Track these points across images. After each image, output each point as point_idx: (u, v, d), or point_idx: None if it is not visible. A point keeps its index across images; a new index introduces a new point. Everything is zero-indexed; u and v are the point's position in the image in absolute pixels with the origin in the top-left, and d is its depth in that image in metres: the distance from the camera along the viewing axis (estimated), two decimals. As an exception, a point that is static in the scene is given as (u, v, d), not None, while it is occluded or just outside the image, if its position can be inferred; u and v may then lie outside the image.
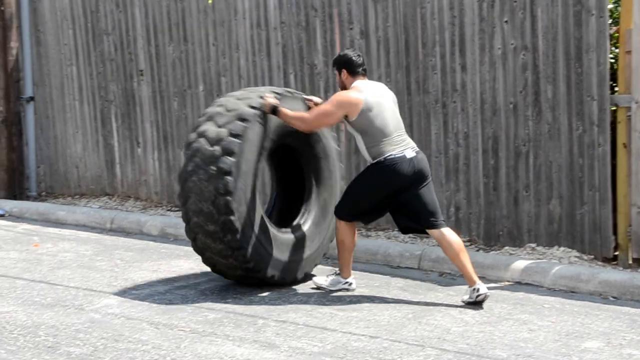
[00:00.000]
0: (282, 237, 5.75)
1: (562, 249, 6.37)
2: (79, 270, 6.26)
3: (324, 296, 5.64)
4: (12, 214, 8.39)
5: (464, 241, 6.84)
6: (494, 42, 6.49)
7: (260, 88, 5.81)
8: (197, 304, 5.40)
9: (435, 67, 6.78)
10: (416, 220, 5.51)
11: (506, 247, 6.58)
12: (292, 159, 6.04)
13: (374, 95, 5.49)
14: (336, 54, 7.15)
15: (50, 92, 8.91)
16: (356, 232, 5.75)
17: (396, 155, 5.40)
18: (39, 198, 8.99)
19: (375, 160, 5.44)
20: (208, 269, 6.04)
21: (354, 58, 5.59)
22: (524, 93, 6.41)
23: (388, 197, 5.49)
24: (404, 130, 5.60)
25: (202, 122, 5.58)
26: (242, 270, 5.57)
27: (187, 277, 6.12)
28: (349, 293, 5.72)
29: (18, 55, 8.81)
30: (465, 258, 5.45)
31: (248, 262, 5.49)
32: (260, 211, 5.55)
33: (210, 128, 5.47)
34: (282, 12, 7.48)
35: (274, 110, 5.52)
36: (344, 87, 5.59)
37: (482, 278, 6.06)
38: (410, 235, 7.07)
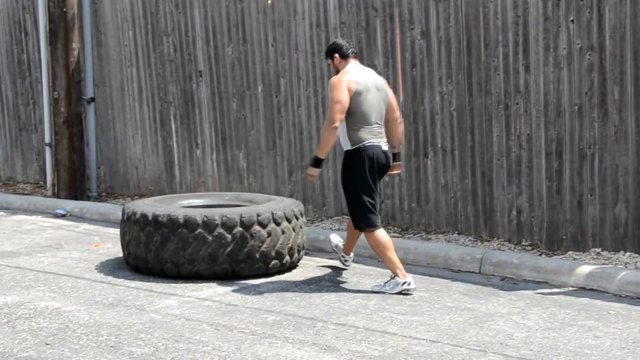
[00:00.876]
0: None
1: (628, 254, 6.20)
2: (139, 271, 6.28)
3: (384, 299, 5.58)
4: (73, 214, 8.48)
5: (525, 245, 6.71)
6: (559, 42, 6.35)
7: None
8: (256, 306, 5.38)
9: (498, 68, 6.66)
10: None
11: (570, 252, 6.43)
12: None
13: (363, 80, 5.66)
14: (397, 55, 7.09)
15: (111, 93, 8.99)
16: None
17: (375, 143, 5.65)
18: (99, 198, 9.09)
19: (355, 147, 5.63)
20: (268, 272, 6.15)
21: (342, 42, 5.81)
22: (590, 94, 6.26)
23: (373, 179, 5.70)
24: (382, 124, 5.76)
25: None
26: None
27: (246, 278, 6.10)
28: (409, 297, 5.65)
29: (79, 56, 8.91)
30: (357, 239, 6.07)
31: None
32: None
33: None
34: (342, 12, 7.43)
35: (319, 163, 5.75)
36: (338, 71, 5.73)
37: (544, 283, 5.95)
38: (471, 238, 6.97)
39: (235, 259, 6.00)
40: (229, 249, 5.98)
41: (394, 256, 5.75)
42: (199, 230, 5.96)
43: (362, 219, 5.74)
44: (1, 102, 9.58)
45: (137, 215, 6.12)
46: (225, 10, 8.08)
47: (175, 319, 5.07)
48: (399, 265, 5.75)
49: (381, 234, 5.76)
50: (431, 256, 6.59)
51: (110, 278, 6.05)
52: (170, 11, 8.41)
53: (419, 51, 7.08)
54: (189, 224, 5.96)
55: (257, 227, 6.00)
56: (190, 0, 8.26)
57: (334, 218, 7.67)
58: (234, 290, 5.76)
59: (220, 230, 5.96)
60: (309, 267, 6.49)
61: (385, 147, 5.74)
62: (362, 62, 7.36)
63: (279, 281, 6.03)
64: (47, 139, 9.10)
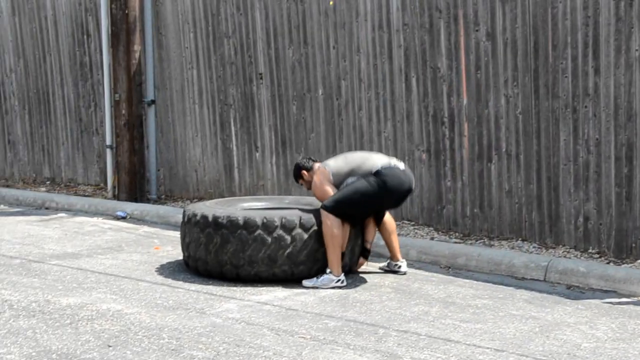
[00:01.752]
0: None
1: (702, 263, 5.98)
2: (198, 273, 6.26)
3: (446, 307, 5.45)
4: (133, 216, 8.51)
5: (592, 252, 6.52)
6: (631, 43, 6.14)
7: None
8: (316, 311, 5.30)
9: (566, 70, 6.48)
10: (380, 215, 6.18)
11: (639, 261, 6.22)
12: None
13: (331, 161, 6.05)
14: (461, 57, 6.97)
15: (171, 95, 9.02)
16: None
17: (391, 165, 5.95)
18: (158, 201, 9.11)
19: (374, 172, 5.93)
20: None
21: (300, 160, 6.27)
22: (663, 97, 6.06)
23: (378, 205, 6.08)
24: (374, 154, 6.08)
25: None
26: None
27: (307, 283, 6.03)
28: (472, 305, 5.51)
29: (140, 58, 8.95)
30: (395, 238, 6.27)
31: None
32: None
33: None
34: (405, 14, 7.33)
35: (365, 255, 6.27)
36: (311, 183, 6.10)
37: (612, 292, 5.76)
38: (535, 245, 6.80)
39: (295, 261, 5.94)
40: (288, 250, 5.92)
41: (338, 254, 5.86)
42: (259, 231, 5.91)
43: (340, 207, 5.85)
44: (63, 104, 9.69)
45: (198, 217, 6.10)
46: (287, 12, 8.03)
47: (236, 323, 5.02)
48: (339, 264, 5.88)
49: (337, 224, 5.84)
50: (494, 263, 6.44)
51: (170, 281, 6.03)
52: (231, 13, 8.40)
53: (484, 53, 6.94)
54: (248, 226, 5.92)
55: (316, 229, 5.93)
56: (251, 2, 8.24)
57: (395, 223, 7.55)
58: (294, 295, 5.69)
59: (279, 231, 5.91)
60: (369, 272, 6.39)
61: (402, 166, 5.97)
62: (424, 64, 7.26)
63: (339, 286, 5.94)
64: (108, 141, 9.16)
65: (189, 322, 5.01)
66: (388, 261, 6.38)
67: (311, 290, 5.82)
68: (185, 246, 6.25)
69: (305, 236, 5.93)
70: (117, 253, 6.92)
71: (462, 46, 7.03)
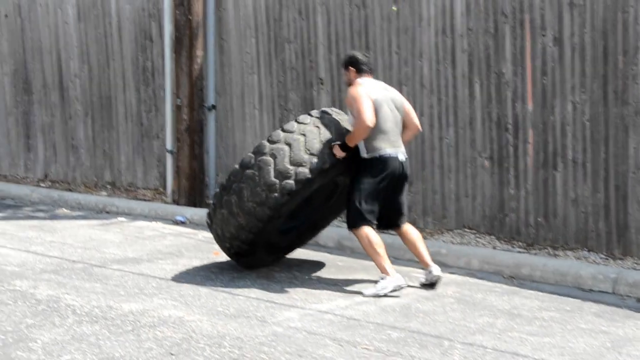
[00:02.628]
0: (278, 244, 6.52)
1: None
2: (258, 280, 6.23)
3: (512, 319, 5.32)
4: (192, 221, 8.53)
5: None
6: None
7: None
8: (378, 321, 5.22)
9: (637, 77, 6.29)
10: (394, 217, 6.05)
11: None
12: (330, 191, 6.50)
13: (376, 92, 5.97)
14: (527, 62, 6.83)
15: (231, 100, 9.02)
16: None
17: (391, 154, 5.90)
18: (218, 205, 9.11)
19: (370, 156, 5.88)
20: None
21: (360, 57, 6.15)
22: None
23: (382, 191, 5.89)
24: (400, 132, 6.04)
25: (280, 139, 5.97)
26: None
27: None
28: (539, 317, 5.37)
29: (202, 63, 8.97)
30: (422, 246, 6.08)
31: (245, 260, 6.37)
32: (274, 235, 6.30)
33: (283, 160, 5.89)
34: (469, 19, 7.20)
35: (346, 149, 5.90)
36: (351, 84, 6.08)
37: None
38: (602, 255, 6.62)
39: None
40: None
41: (383, 257, 5.85)
42: None
43: (353, 215, 5.92)
44: (125, 109, 9.77)
45: None
46: (349, 17, 7.96)
47: (297, 332, 4.97)
48: (388, 265, 5.85)
49: (371, 233, 5.89)
50: (560, 274, 6.28)
51: (230, 288, 6.01)
52: (293, 18, 8.37)
53: (551, 58, 6.78)
54: None
55: None
56: (313, 7, 8.19)
57: (455, 231, 7.43)
58: (355, 304, 5.62)
59: None
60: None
61: (402, 157, 5.97)
62: (488, 70, 7.13)
63: (401, 294, 5.86)
64: (168, 146, 9.21)
65: (251, 331, 4.98)
66: (424, 272, 6.11)
67: (372, 300, 5.74)
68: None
69: None
70: (177, 258, 6.93)
71: (528, 51, 6.88)
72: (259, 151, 5.99)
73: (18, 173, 10.84)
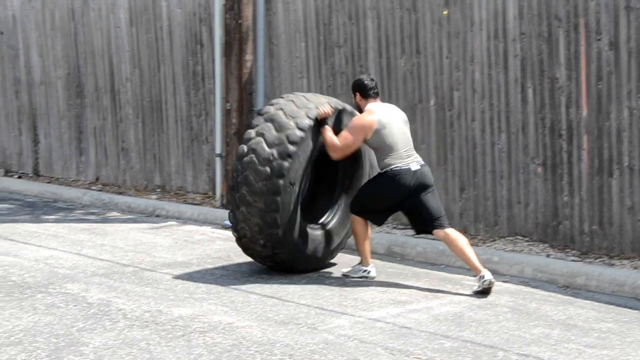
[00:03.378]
0: (313, 234, 6.50)
1: None
2: (308, 287, 6.19)
3: (568, 329, 5.21)
4: (241, 225, 8.52)
5: None
6: None
7: (319, 97, 6.52)
8: (431, 330, 5.15)
9: (697, 82, 6.13)
10: (424, 223, 6.23)
11: None
12: (330, 165, 6.62)
13: (385, 116, 6.27)
14: (581, 67, 6.71)
15: (281, 105, 8.99)
16: (369, 224, 6.43)
17: (401, 168, 6.17)
18: (266, 209, 9.10)
19: (383, 171, 6.23)
20: (439, 293, 5.99)
21: (366, 82, 6.43)
22: None
23: (393, 202, 6.25)
24: (411, 146, 6.33)
25: (261, 122, 6.31)
26: (273, 261, 6.43)
27: (418, 300, 5.88)
28: (596, 329, 5.25)
29: (252, 68, 8.97)
30: (470, 252, 6.10)
31: (282, 253, 6.32)
32: (299, 213, 6.32)
33: (262, 147, 6.18)
34: (522, 23, 7.09)
35: (322, 122, 6.28)
36: (359, 108, 6.39)
37: None
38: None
39: None
40: None
41: (364, 244, 6.36)
42: None
43: (357, 203, 6.36)
44: (175, 113, 9.82)
45: None
46: (399, 21, 7.89)
47: (349, 340, 4.92)
48: (366, 254, 6.39)
49: (362, 221, 6.34)
50: (617, 284, 6.13)
51: (280, 293, 5.98)
52: (343, 22, 8.32)
53: (606, 63, 6.64)
54: None
55: None
56: (363, 11, 8.14)
57: (507, 238, 7.32)
58: (406, 312, 5.56)
59: None
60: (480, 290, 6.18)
61: (415, 166, 6.20)
62: (542, 74, 7.01)
63: (452, 303, 5.78)
64: (217, 150, 9.22)
65: (301, 338, 4.94)
66: (477, 279, 6.06)
67: (424, 308, 5.67)
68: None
69: None
70: (226, 263, 6.93)
71: (583, 56, 6.75)
72: (247, 138, 6.31)
73: (70, 176, 10.97)
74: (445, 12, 7.53)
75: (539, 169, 7.13)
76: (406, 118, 6.48)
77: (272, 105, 6.42)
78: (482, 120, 7.43)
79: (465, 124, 7.56)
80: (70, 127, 10.89)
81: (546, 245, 7.08)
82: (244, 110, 9.01)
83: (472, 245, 7.18)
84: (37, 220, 8.65)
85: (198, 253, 7.29)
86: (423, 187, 6.18)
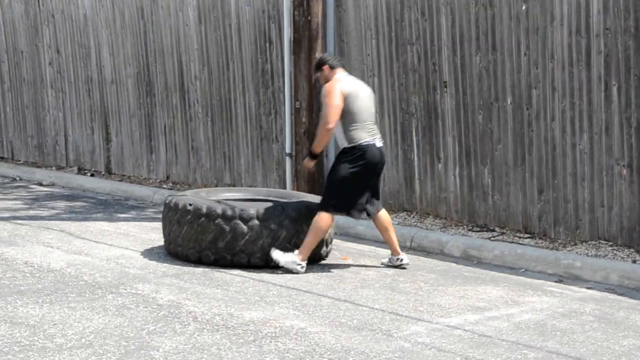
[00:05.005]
0: None
1: None
2: (382, 290, 6.01)
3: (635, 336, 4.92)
4: (311, 225, 8.38)
5: None
6: None
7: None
8: (512, 339, 4.92)
9: None
10: (372, 203, 6.48)
11: None
12: None
13: (352, 85, 6.47)
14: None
15: (351, 103, 8.83)
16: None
17: (369, 142, 6.34)
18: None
19: (351, 145, 6.34)
20: (519, 300, 5.77)
21: (329, 56, 6.97)
22: None
23: (364, 182, 6.37)
24: (374, 122, 6.54)
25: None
26: None
27: (498, 306, 5.65)
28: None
29: (322, 66, 8.82)
30: (393, 233, 6.57)
31: None
32: None
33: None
34: (606, 17, 6.78)
35: (314, 157, 6.68)
36: (327, 81, 6.51)
37: None
38: None
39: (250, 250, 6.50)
40: (244, 239, 6.48)
41: (314, 243, 6.39)
42: (218, 220, 6.53)
43: (330, 200, 6.38)
44: (244, 111, 9.73)
45: (172, 205, 6.86)
46: (475, 17, 7.65)
47: (426, 349, 4.73)
48: (309, 251, 6.39)
49: (327, 222, 6.39)
50: None
51: (353, 297, 5.82)
52: (415, 19, 8.11)
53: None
54: (210, 214, 6.52)
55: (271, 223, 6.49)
56: (437, 7, 7.91)
57: (589, 243, 7.01)
58: (485, 320, 5.33)
59: (237, 221, 6.50)
60: (567, 297, 5.92)
61: (379, 143, 6.41)
62: (627, 72, 6.70)
63: (534, 310, 5.53)
64: (287, 149, 9.11)
65: (376, 345, 4.77)
66: (389, 257, 6.66)
67: (504, 315, 5.44)
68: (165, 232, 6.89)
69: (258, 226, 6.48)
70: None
71: (672, 52, 6.42)
72: None
73: (141, 174, 10.98)
74: (523, 7, 7.25)
75: (624, 171, 6.81)
76: (372, 94, 6.69)
77: None
78: (563, 120, 7.14)
79: (544, 123, 7.28)
80: (140, 125, 10.90)
81: (632, 250, 6.75)
82: (314, 108, 8.86)
83: (552, 249, 6.95)
84: (108, 218, 8.65)
85: (268, 254, 7.16)
86: (382, 165, 6.49)
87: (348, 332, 5.03)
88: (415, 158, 8.29)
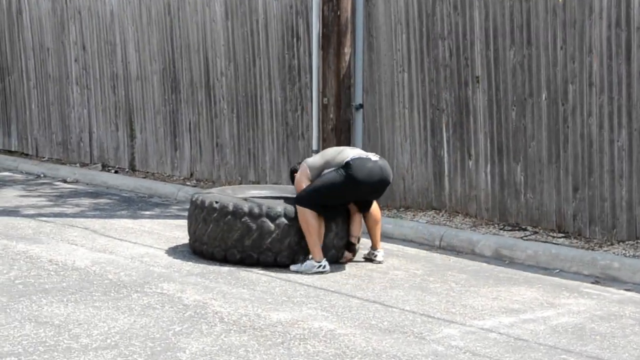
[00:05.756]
0: None
1: None
2: (412, 291, 5.84)
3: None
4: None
5: None
6: None
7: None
8: (550, 343, 4.73)
9: None
10: (367, 206, 6.59)
11: None
12: None
13: (312, 159, 6.63)
14: None
15: (380, 99, 8.67)
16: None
17: (361, 156, 6.43)
18: (364, 208, 8.77)
19: (344, 163, 6.37)
20: (555, 301, 5.59)
21: (293, 166, 6.89)
22: None
23: (348, 197, 6.51)
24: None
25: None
26: None
27: (533, 308, 5.45)
28: None
29: (350, 61, 8.65)
30: (379, 228, 6.64)
31: None
32: None
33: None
34: (647, 10, 6.56)
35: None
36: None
37: None
38: None
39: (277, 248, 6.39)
40: (272, 237, 6.37)
41: (316, 240, 6.27)
42: (245, 218, 6.43)
43: (309, 198, 6.30)
44: (270, 107, 9.59)
45: (198, 202, 6.78)
46: (509, 10, 7.44)
47: (460, 353, 4.55)
48: (319, 249, 6.28)
49: (310, 214, 6.27)
50: None
51: (383, 298, 5.65)
52: (447, 13, 7.91)
53: None
54: (236, 212, 6.44)
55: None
56: (470, 1, 7.71)
57: (627, 242, 6.79)
58: (520, 322, 5.14)
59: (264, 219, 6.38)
60: (605, 299, 5.71)
61: (374, 157, 6.41)
62: (668, 66, 6.48)
63: (571, 312, 5.33)
64: (314, 146, 8.94)
65: (408, 349, 4.60)
66: (369, 250, 6.70)
67: (540, 317, 5.25)
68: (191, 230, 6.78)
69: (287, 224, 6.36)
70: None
71: None
72: None
73: (165, 171, 10.88)
74: (560, 1, 7.04)
75: (663, 169, 6.58)
76: None
77: None
78: (600, 116, 6.92)
79: (580, 119, 7.06)
80: (165, 122, 10.79)
81: (672, 252, 6.54)
82: (342, 104, 8.69)
83: (587, 249, 6.74)
84: (133, 216, 8.55)
85: (295, 253, 7.01)
86: (384, 185, 6.44)
87: (379, 334, 4.87)
88: (445, 155, 8.10)
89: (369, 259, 6.69)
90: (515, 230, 7.41)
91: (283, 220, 6.37)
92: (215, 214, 6.51)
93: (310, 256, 6.30)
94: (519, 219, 7.53)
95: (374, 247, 6.70)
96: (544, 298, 5.69)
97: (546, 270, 6.51)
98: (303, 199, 6.32)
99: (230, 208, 6.46)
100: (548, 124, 7.28)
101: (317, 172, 6.43)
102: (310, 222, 6.25)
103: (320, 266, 6.26)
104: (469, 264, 6.71)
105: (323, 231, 6.35)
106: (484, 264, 6.70)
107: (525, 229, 7.39)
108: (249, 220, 6.40)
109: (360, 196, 6.47)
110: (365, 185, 6.31)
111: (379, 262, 6.62)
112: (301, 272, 6.24)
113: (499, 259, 6.86)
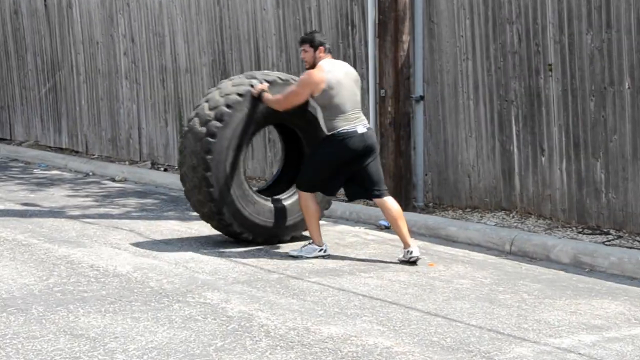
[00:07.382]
0: (262, 203, 6.73)
1: None
2: (479, 303, 5.26)
3: None
4: (398, 225, 7.65)
5: None
6: None
7: (256, 73, 6.90)
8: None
9: None
10: (363, 189, 6.42)
11: None
12: (297, 139, 6.94)
13: (336, 75, 6.32)
14: None
15: (442, 90, 8.07)
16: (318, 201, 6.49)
17: (348, 130, 6.25)
18: (426, 209, 8.17)
19: (330, 134, 6.32)
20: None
21: (324, 37, 6.60)
22: None
23: (342, 167, 6.33)
24: (359, 108, 6.41)
25: (201, 102, 6.82)
26: (215, 220, 6.70)
27: (618, 325, 4.84)
28: None
29: (409, 49, 8.07)
30: (403, 224, 6.30)
31: (219, 213, 6.59)
32: (240, 176, 6.64)
33: (203, 110, 6.69)
34: None
35: (259, 96, 6.54)
36: (313, 63, 6.36)
37: None
38: None
39: None
40: None
41: (315, 223, 6.37)
42: None
43: (304, 178, 6.41)
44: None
45: None
46: (586, -10, 6.78)
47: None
48: (318, 232, 6.39)
49: (310, 198, 6.36)
50: None
51: (446, 311, 5.09)
52: (516, -6, 7.29)
53: None
54: None
55: None
56: (541, -20, 7.08)
57: None
58: (604, 341, 4.55)
59: None
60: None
61: (362, 129, 6.27)
62: None
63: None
64: (371, 141, 8.41)
65: (476, 373, 4.03)
66: (402, 251, 6.31)
67: (627, 336, 4.66)
68: None
69: None
70: (382, 271, 6.09)
71: None
72: (197, 105, 6.89)
73: (215, 169, 10.46)
74: (644, -23, 6.36)
75: None
76: (358, 77, 6.54)
77: (215, 87, 7.04)
78: (689, 105, 6.23)
79: (667, 110, 6.38)
80: (216, 117, 10.37)
81: None
82: (400, 96, 8.10)
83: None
84: (180, 217, 8.15)
85: (350, 258, 6.49)
86: (369, 151, 6.30)
87: (441, 353, 4.34)
88: (515, 150, 7.48)
89: (405, 260, 6.25)
90: (596, 234, 6.78)
91: None
92: None
93: (311, 241, 6.39)
94: (599, 222, 6.88)
95: (405, 246, 6.28)
96: (631, 313, 5.08)
97: (633, 280, 5.89)
98: (301, 186, 6.39)
99: None
100: (632, 115, 6.62)
101: (325, 102, 6.33)
102: (310, 206, 6.33)
103: (321, 250, 6.34)
104: (544, 272, 6.12)
105: (319, 215, 6.48)
106: (561, 272, 6.11)
107: (607, 233, 6.75)
108: None
109: (351, 167, 6.39)
110: (351, 154, 6.34)
111: (417, 259, 6.21)
112: (300, 255, 6.31)
113: (577, 266, 6.24)
